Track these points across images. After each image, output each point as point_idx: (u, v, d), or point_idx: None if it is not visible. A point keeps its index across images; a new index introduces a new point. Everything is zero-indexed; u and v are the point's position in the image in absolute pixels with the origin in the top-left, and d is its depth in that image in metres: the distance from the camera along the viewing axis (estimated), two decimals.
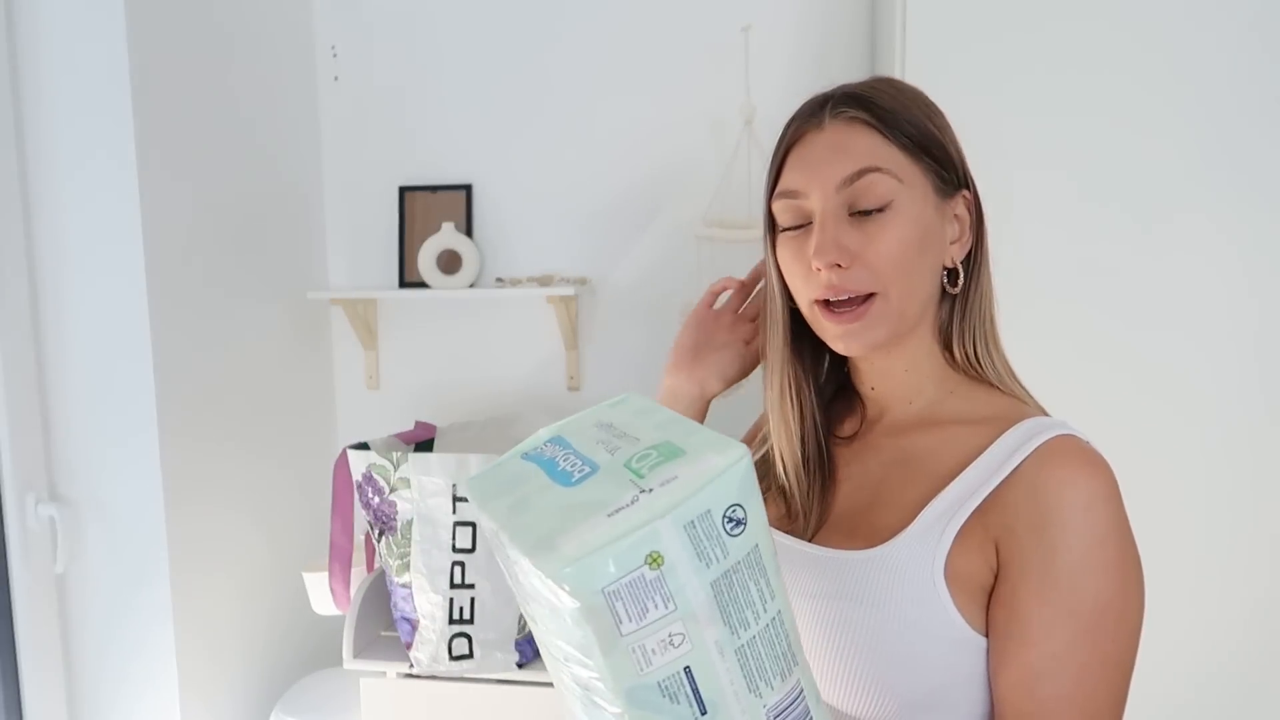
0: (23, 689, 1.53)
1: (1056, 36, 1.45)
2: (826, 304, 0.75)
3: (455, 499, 1.38)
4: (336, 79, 2.04)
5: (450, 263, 1.94)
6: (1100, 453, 0.71)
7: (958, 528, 0.69)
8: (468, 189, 1.99)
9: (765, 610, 0.55)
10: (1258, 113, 1.41)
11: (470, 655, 1.40)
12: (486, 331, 2.03)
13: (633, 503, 0.51)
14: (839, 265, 0.73)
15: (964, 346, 0.79)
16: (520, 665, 1.42)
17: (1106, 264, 1.47)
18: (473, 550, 1.38)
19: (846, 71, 1.81)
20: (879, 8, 1.74)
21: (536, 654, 1.45)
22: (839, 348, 0.77)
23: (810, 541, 0.78)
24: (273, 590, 1.85)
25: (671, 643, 0.51)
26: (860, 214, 0.74)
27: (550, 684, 1.45)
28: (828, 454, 0.83)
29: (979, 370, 0.79)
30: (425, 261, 1.93)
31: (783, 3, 1.84)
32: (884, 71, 1.63)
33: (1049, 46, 1.46)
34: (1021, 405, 0.77)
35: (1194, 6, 1.41)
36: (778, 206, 0.78)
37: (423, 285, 1.96)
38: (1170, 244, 1.45)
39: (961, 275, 0.78)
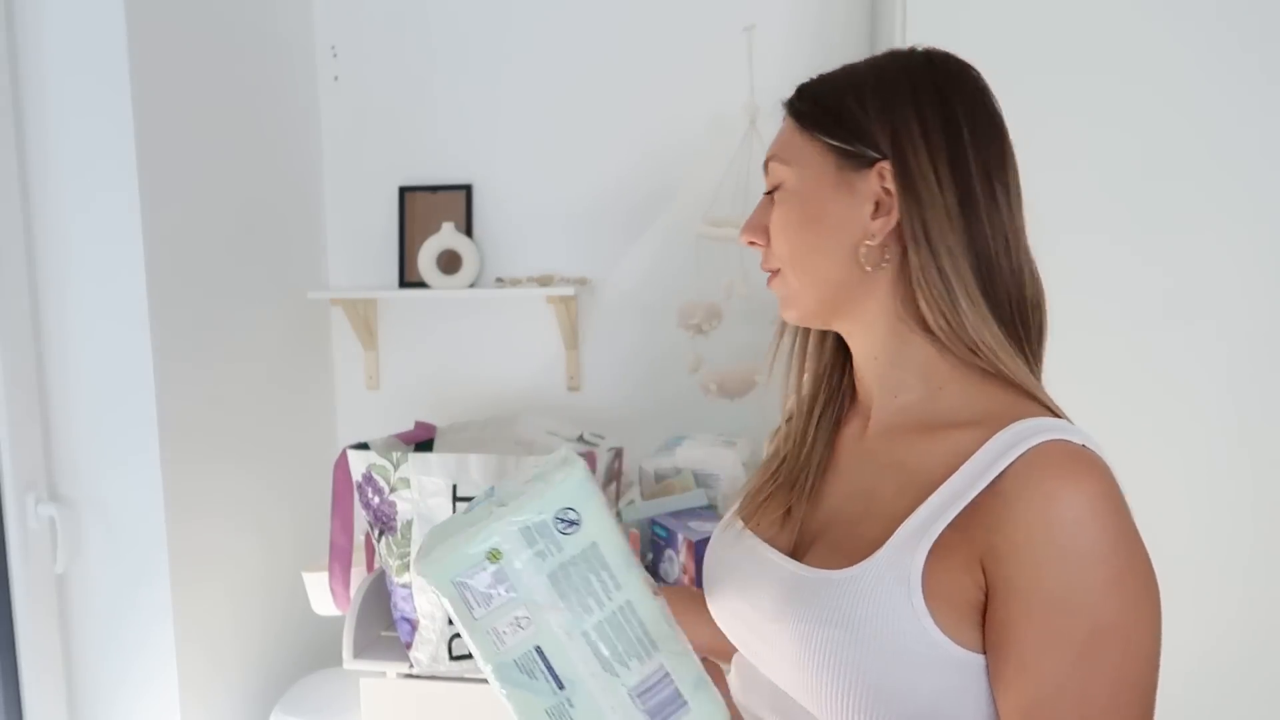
0: (23, 689, 1.53)
1: (1056, 37, 1.45)
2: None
3: (455, 499, 1.37)
4: (336, 79, 2.04)
5: (450, 263, 1.94)
6: (1099, 457, 0.65)
7: (931, 543, 0.65)
8: (468, 189, 1.99)
9: (610, 599, 0.64)
10: (1263, 114, 1.41)
11: (470, 655, 1.39)
12: (486, 331, 2.03)
13: (486, 517, 0.64)
14: (753, 243, 0.79)
15: (931, 323, 0.71)
16: None
17: (1107, 263, 1.47)
18: None
19: None
20: (879, 8, 1.74)
21: None
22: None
23: (797, 555, 0.75)
24: (272, 590, 1.85)
25: (519, 625, 0.62)
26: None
27: None
28: (830, 445, 0.81)
29: (971, 352, 0.71)
30: (425, 261, 1.93)
31: (785, 3, 1.84)
32: None
33: (1049, 47, 1.46)
34: (1022, 402, 0.69)
35: (1197, 6, 1.41)
36: None
37: (423, 285, 1.96)
38: (1171, 243, 1.45)
39: (892, 250, 0.72)
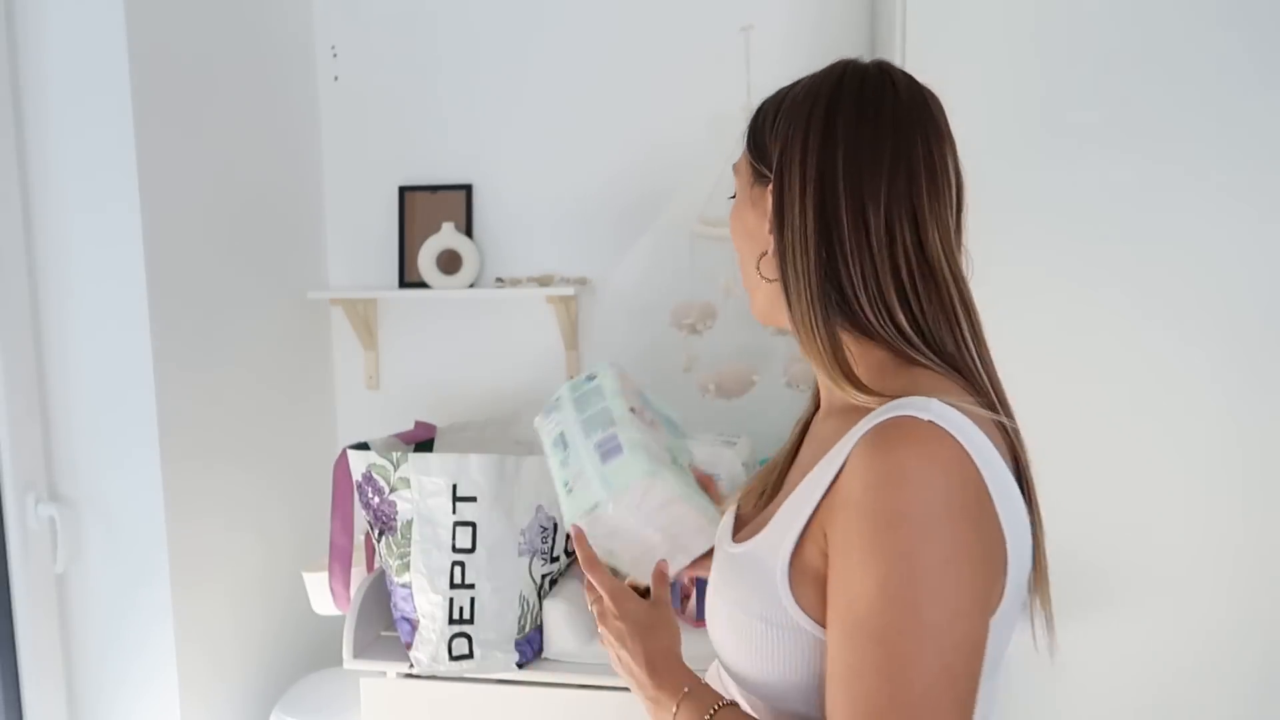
0: (23, 689, 1.53)
1: (1056, 37, 1.45)
2: None
3: (455, 499, 1.38)
4: (336, 79, 2.04)
5: (450, 263, 1.94)
6: (944, 431, 0.63)
7: (803, 523, 0.68)
8: (468, 189, 1.99)
9: (596, 406, 0.98)
10: (1259, 113, 1.41)
11: (470, 655, 1.40)
12: (486, 331, 2.03)
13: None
14: None
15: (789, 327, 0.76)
16: (520, 665, 1.42)
17: (1106, 262, 1.47)
18: (473, 550, 1.38)
19: None
20: (879, 8, 1.74)
21: (536, 654, 1.45)
22: None
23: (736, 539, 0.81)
24: (272, 590, 1.85)
25: (557, 423, 1.01)
26: None
27: (550, 684, 1.45)
28: (801, 436, 0.87)
29: (872, 333, 0.73)
30: (425, 261, 1.93)
31: (783, 3, 1.84)
32: None
33: (1048, 47, 1.46)
34: (915, 384, 0.70)
35: (1196, 4, 1.41)
36: None
37: (423, 285, 1.96)
38: (1170, 243, 1.45)
39: (776, 265, 0.75)
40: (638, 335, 1.98)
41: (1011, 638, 0.70)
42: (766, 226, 0.75)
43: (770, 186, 0.75)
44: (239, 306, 1.77)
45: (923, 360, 0.72)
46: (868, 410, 0.69)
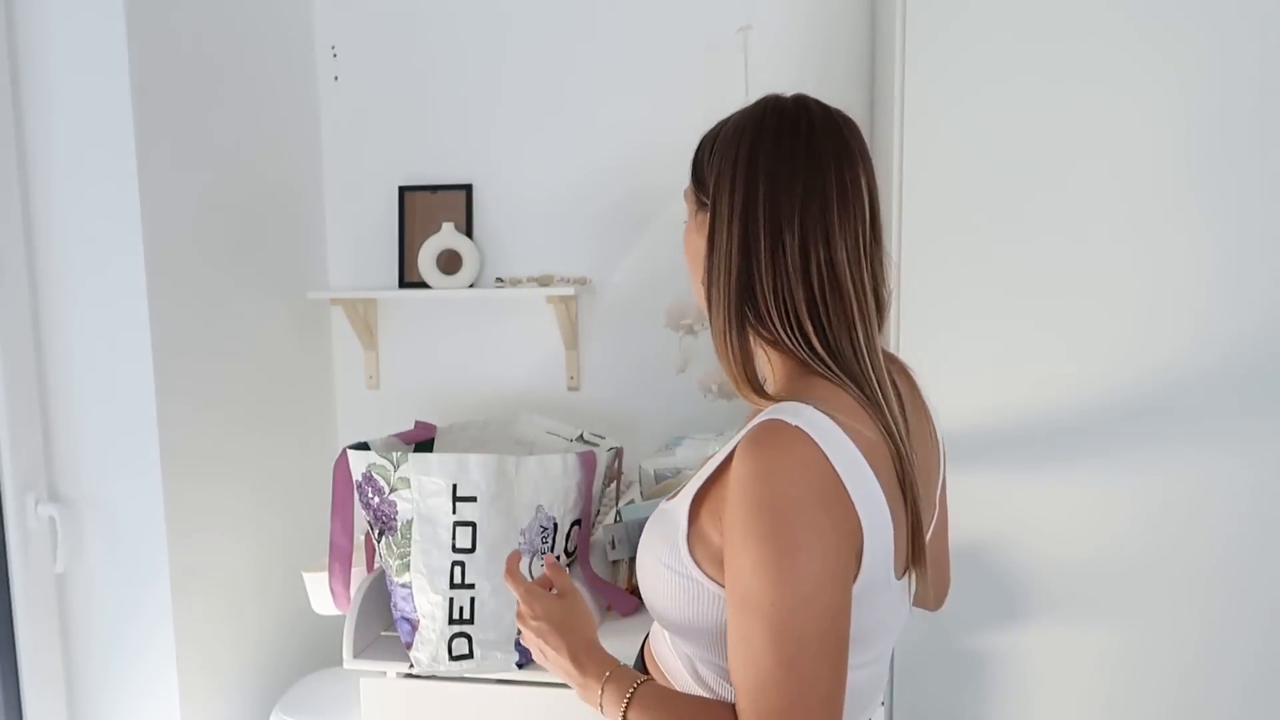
0: (23, 689, 1.53)
1: (1056, 37, 1.45)
2: None
3: (455, 499, 1.37)
4: (336, 79, 2.04)
5: (450, 263, 1.94)
6: (807, 434, 0.73)
7: (694, 491, 0.82)
8: (468, 189, 1.99)
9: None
10: (1257, 116, 1.41)
11: (470, 655, 1.39)
12: (486, 331, 2.03)
13: None
14: None
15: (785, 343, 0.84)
16: (520, 665, 1.42)
17: (1103, 262, 1.47)
18: (473, 550, 1.38)
19: (846, 71, 1.81)
20: (879, 8, 1.74)
21: None
22: None
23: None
24: (272, 590, 1.85)
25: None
26: None
27: (550, 684, 1.45)
28: None
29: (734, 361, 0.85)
30: (425, 261, 1.93)
31: (783, 3, 1.84)
32: (884, 72, 1.63)
33: (1048, 47, 1.46)
34: (802, 390, 0.81)
35: (1194, 8, 1.41)
36: None
37: (423, 285, 1.96)
38: (1168, 243, 1.45)
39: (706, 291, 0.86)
40: (638, 335, 1.98)
41: (886, 607, 0.83)
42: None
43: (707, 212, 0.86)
44: (239, 307, 1.77)
45: (820, 370, 0.82)
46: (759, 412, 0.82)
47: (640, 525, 1.55)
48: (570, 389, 2.02)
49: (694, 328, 1.91)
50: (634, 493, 1.71)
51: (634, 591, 1.54)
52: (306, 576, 1.63)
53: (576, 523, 1.48)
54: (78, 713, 1.61)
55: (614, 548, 1.55)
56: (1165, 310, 1.46)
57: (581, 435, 1.68)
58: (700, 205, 0.88)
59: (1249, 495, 1.46)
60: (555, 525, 1.44)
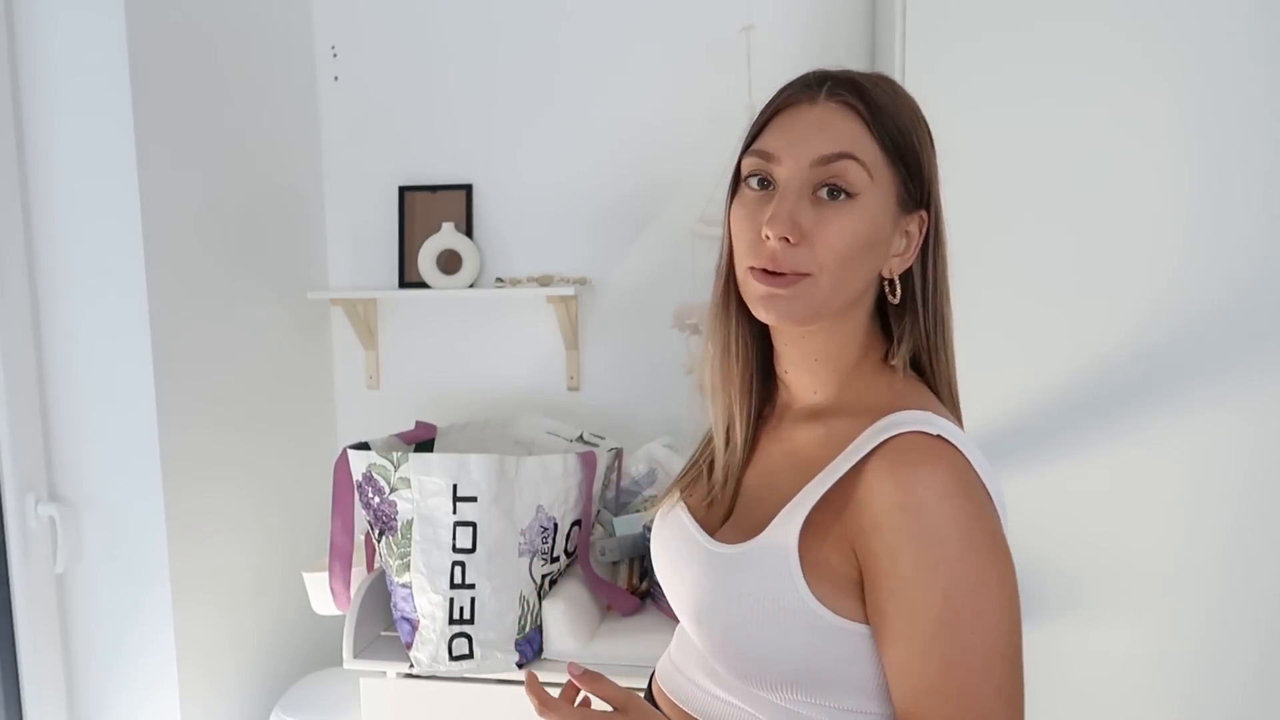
0: (23, 689, 1.53)
1: (1055, 38, 1.45)
2: (763, 270, 0.75)
3: (455, 499, 1.37)
4: (336, 79, 2.04)
5: (450, 263, 1.94)
6: (956, 446, 0.70)
7: (801, 520, 0.72)
8: (468, 189, 1.99)
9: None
10: (1254, 112, 1.41)
11: (470, 655, 1.39)
12: (486, 331, 2.03)
13: None
14: (787, 240, 0.73)
15: (905, 360, 0.79)
16: (520, 665, 1.42)
17: (1102, 260, 1.47)
18: (473, 550, 1.38)
19: None
20: (879, 8, 1.74)
21: (536, 654, 1.45)
22: (758, 311, 0.77)
23: (714, 536, 0.80)
24: (272, 590, 1.85)
25: None
26: (823, 198, 0.73)
27: (549, 684, 1.45)
28: (753, 441, 0.87)
29: (922, 377, 0.80)
30: (425, 261, 1.93)
31: (783, 3, 1.84)
32: (884, 71, 1.63)
33: (1048, 47, 1.46)
34: (905, 397, 0.76)
35: (1191, 3, 1.41)
36: (748, 162, 0.78)
37: (423, 285, 1.96)
38: (1169, 241, 1.45)
39: (899, 289, 0.79)
40: (638, 335, 1.98)
41: None
42: (905, 253, 0.78)
43: (922, 215, 0.78)
44: (239, 307, 1.77)
45: (895, 364, 0.78)
46: (849, 417, 0.76)
47: (634, 540, 1.55)
48: (570, 389, 2.02)
49: (699, 328, 1.90)
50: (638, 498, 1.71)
51: (634, 591, 1.54)
52: (306, 576, 1.63)
53: (576, 523, 1.48)
54: (77, 713, 1.61)
55: (603, 555, 1.55)
56: (1167, 308, 1.46)
57: (581, 435, 1.68)
58: (906, 194, 0.76)
59: (1250, 496, 1.46)
60: (555, 525, 1.44)
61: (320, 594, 1.61)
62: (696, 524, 0.83)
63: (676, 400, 1.96)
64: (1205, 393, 1.46)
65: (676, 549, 0.84)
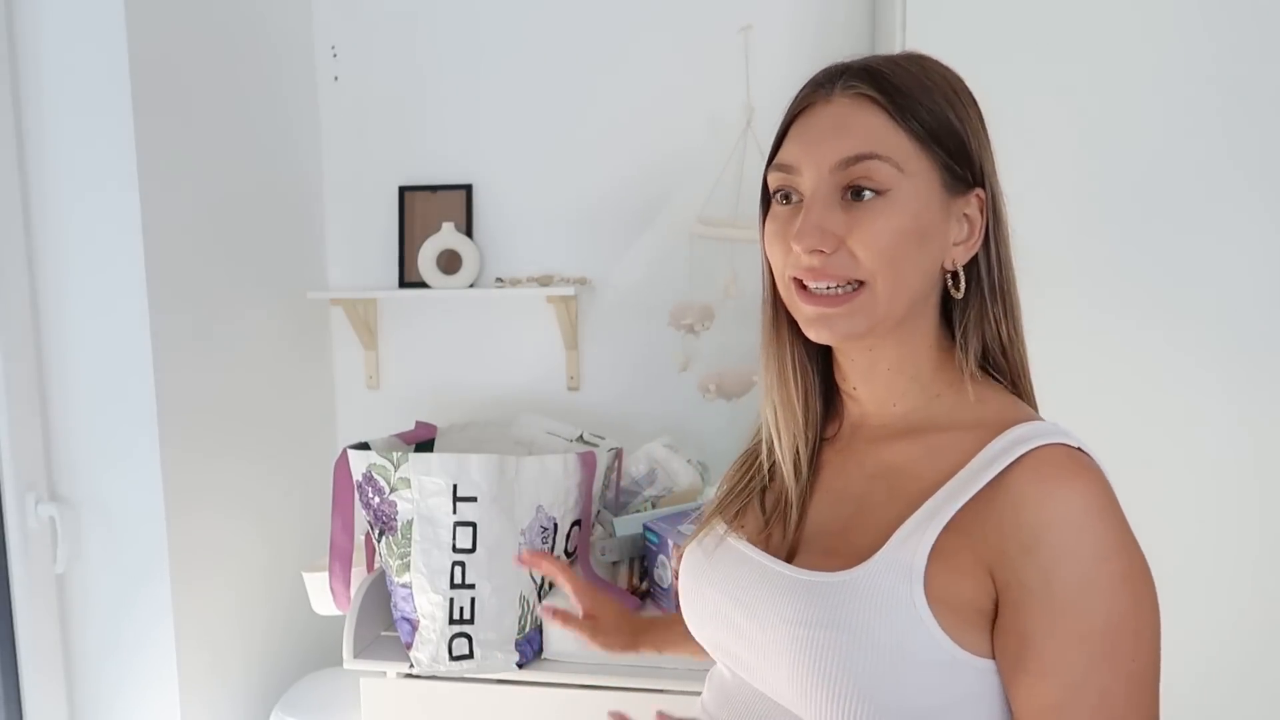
0: (23, 689, 1.53)
1: (1056, 38, 1.45)
2: (802, 285, 0.71)
3: (455, 499, 1.37)
4: (336, 79, 2.04)
5: (450, 263, 1.94)
6: (1093, 458, 0.66)
7: (930, 544, 0.66)
8: (468, 189, 1.99)
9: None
10: (1267, 108, 1.40)
11: (470, 655, 1.39)
12: (486, 331, 2.03)
13: None
14: (820, 251, 0.69)
15: (977, 356, 0.73)
16: (520, 665, 1.42)
17: (1108, 258, 1.47)
18: (473, 550, 1.38)
19: None
20: (879, 8, 1.74)
21: (536, 654, 1.45)
22: (810, 333, 0.72)
23: (788, 561, 0.74)
24: (272, 590, 1.85)
25: None
26: (853, 197, 0.69)
27: (549, 684, 1.45)
28: (817, 453, 0.80)
29: (998, 371, 0.75)
30: (425, 261, 1.93)
31: (783, 3, 1.84)
32: None
33: (1048, 47, 1.46)
34: (1011, 408, 0.72)
35: (1198, 2, 1.41)
36: (771, 178, 0.74)
37: (423, 285, 1.96)
38: (1172, 238, 1.45)
39: (963, 279, 0.72)
40: (638, 335, 1.98)
41: None
42: (954, 234, 0.72)
43: (978, 194, 0.73)
44: (239, 306, 1.77)
45: (968, 365, 0.74)
46: (955, 431, 0.71)
47: (633, 540, 1.55)
48: (570, 389, 2.02)
49: (695, 327, 1.90)
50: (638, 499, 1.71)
51: (634, 591, 1.54)
52: (306, 576, 1.63)
53: (576, 523, 1.48)
54: (78, 713, 1.61)
55: (603, 555, 1.55)
56: (1169, 307, 1.46)
57: (581, 435, 1.68)
58: (952, 177, 0.71)
59: (1253, 492, 1.46)
60: (555, 525, 1.44)
61: (320, 594, 1.61)
62: (765, 554, 0.75)
63: (676, 400, 1.96)
64: (1208, 388, 1.46)
65: (742, 583, 0.75)
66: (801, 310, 0.72)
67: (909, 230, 0.68)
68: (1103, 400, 1.47)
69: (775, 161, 0.74)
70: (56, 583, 1.57)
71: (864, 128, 0.69)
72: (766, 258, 0.76)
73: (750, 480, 0.83)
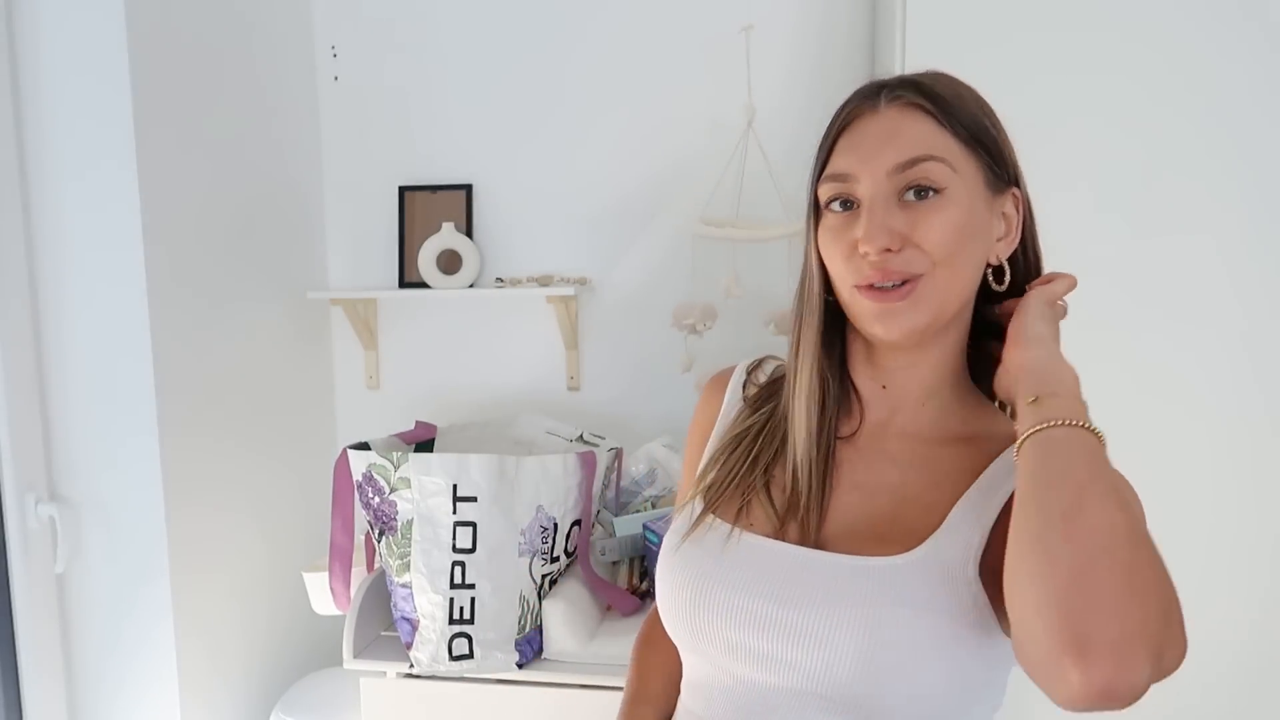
0: (23, 689, 1.53)
1: (1056, 38, 1.45)
2: (870, 287, 0.74)
3: (455, 499, 1.37)
4: (336, 79, 2.04)
5: (450, 263, 1.94)
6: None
7: (989, 524, 0.71)
8: (468, 189, 1.99)
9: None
10: (1262, 115, 1.41)
11: (470, 655, 1.39)
12: (486, 331, 2.03)
13: None
14: (889, 250, 0.72)
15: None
16: (520, 665, 1.42)
17: (1107, 266, 1.47)
18: (473, 550, 1.38)
19: (847, 72, 1.81)
20: (879, 8, 1.74)
21: (536, 654, 1.45)
22: (877, 330, 0.74)
23: (819, 549, 0.75)
24: (272, 590, 1.85)
25: None
26: (910, 199, 0.73)
27: (549, 684, 1.45)
28: (832, 454, 0.81)
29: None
30: (425, 261, 1.93)
31: (783, 3, 1.84)
32: (884, 72, 1.63)
33: (1049, 47, 1.46)
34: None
35: (1198, 9, 1.41)
36: (825, 189, 0.77)
37: (423, 285, 1.96)
38: (1172, 245, 1.45)
39: (1009, 273, 0.78)
40: (638, 335, 1.98)
41: None
42: (1009, 235, 0.79)
43: (1015, 193, 0.78)
44: (239, 306, 1.77)
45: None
46: (994, 418, 0.80)
47: (633, 540, 1.55)
48: (570, 389, 2.02)
49: (696, 327, 1.90)
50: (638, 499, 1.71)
51: (634, 591, 1.54)
52: (306, 576, 1.63)
53: (576, 523, 1.48)
54: (78, 712, 1.61)
55: (603, 555, 1.55)
56: (1168, 311, 1.46)
57: (581, 435, 1.68)
58: (994, 179, 0.76)
59: (1253, 492, 1.46)
60: (555, 525, 1.44)
61: (320, 594, 1.62)
62: (799, 545, 0.76)
63: (676, 400, 1.96)
64: (1210, 387, 1.46)
65: (776, 579, 0.74)
66: (866, 309, 0.75)
67: (965, 224, 0.73)
68: (1103, 400, 1.47)
69: (827, 173, 0.77)
70: (56, 582, 1.57)
71: (915, 132, 0.73)
72: (816, 262, 0.79)
73: (746, 475, 0.83)
